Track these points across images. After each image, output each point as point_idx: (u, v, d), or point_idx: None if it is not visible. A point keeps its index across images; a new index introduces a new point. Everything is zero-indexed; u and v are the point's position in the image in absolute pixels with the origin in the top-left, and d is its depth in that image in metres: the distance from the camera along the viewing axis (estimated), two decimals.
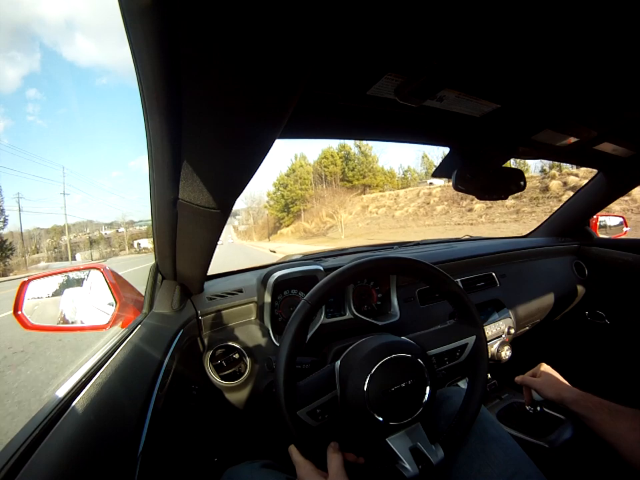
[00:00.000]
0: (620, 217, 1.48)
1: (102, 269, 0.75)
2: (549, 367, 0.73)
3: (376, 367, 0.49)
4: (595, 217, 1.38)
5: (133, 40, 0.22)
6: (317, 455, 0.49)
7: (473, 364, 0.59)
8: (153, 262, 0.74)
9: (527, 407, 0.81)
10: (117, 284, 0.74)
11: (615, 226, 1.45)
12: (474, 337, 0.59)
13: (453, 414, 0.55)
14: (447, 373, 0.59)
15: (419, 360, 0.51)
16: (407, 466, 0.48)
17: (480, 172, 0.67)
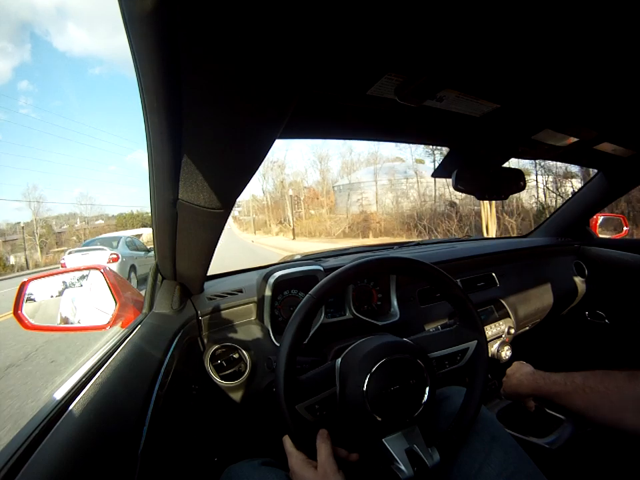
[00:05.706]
0: (619, 216, 1.48)
1: (102, 269, 0.75)
2: (509, 369, 0.75)
3: (376, 366, 0.49)
4: (595, 216, 1.38)
5: (133, 41, 0.22)
6: (310, 446, 0.49)
7: (473, 369, 0.59)
8: None
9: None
10: (117, 284, 0.74)
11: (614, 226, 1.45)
12: (475, 341, 0.59)
13: (453, 414, 0.55)
14: (447, 377, 0.59)
15: (419, 361, 0.51)
16: (402, 467, 0.48)
17: (480, 172, 0.67)
